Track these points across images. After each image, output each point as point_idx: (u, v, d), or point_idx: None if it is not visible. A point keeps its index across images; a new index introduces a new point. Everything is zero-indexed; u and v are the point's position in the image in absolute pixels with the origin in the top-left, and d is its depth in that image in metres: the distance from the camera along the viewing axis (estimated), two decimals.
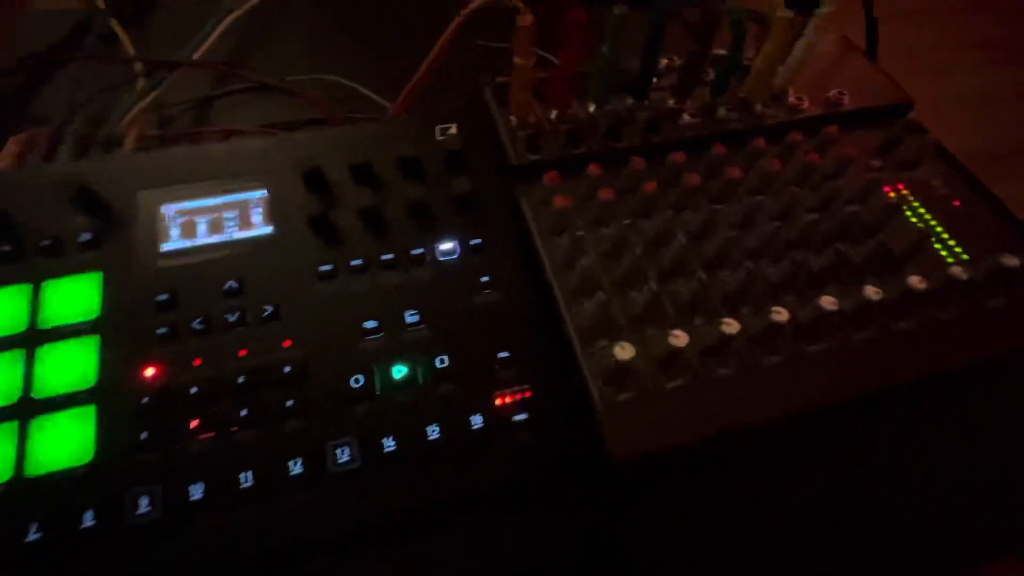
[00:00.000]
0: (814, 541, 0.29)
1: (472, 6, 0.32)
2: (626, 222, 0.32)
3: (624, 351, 0.26)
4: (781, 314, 0.28)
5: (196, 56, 0.46)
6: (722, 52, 0.38)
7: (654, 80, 0.38)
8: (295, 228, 0.32)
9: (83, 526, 0.25)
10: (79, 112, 0.42)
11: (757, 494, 0.29)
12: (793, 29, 0.36)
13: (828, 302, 0.28)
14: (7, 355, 0.28)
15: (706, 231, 0.32)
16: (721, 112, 0.38)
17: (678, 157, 0.35)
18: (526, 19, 0.31)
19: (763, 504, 0.29)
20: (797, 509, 0.29)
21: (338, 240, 0.32)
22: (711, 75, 0.39)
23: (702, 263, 0.31)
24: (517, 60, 0.33)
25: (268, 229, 0.32)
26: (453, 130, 0.36)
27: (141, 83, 0.46)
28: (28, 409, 0.27)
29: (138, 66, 0.47)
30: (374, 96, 0.46)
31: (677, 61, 0.41)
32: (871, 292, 0.29)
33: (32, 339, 0.28)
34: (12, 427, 0.26)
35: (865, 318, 0.30)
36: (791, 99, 0.39)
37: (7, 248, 0.30)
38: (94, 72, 0.48)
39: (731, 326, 0.27)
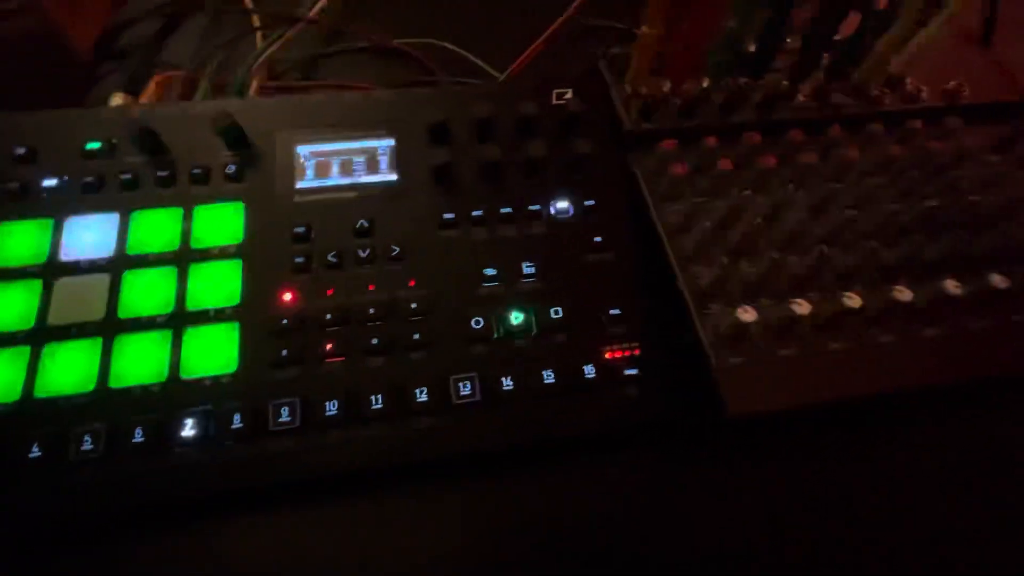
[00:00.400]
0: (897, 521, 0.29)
1: None
2: (746, 192, 0.33)
3: (747, 314, 0.27)
4: (903, 293, 0.28)
5: (311, 14, 0.48)
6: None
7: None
8: (419, 177, 0.34)
9: (232, 427, 0.27)
10: (206, 60, 0.45)
11: (851, 466, 0.30)
12: (921, 17, 0.36)
13: (952, 286, 0.28)
14: (165, 269, 0.30)
15: (823, 208, 0.32)
16: (837, 95, 0.38)
17: (796, 135, 0.35)
18: None
19: (853, 476, 0.30)
20: (888, 484, 0.30)
21: (459, 191, 0.34)
22: (826, 59, 0.39)
23: (819, 239, 0.31)
24: (645, 29, 0.33)
25: (393, 176, 0.34)
26: (569, 95, 0.37)
27: (259, 36, 0.48)
28: (181, 319, 0.29)
29: (256, 20, 0.50)
30: (481, 63, 0.47)
31: (790, 43, 0.41)
32: (998, 280, 0.29)
33: (185, 257, 0.31)
34: (167, 334, 0.29)
35: (986, 306, 0.29)
36: (909, 87, 0.39)
37: (164, 173, 0.32)
38: (212, 23, 0.51)
39: (854, 300, 0.28)
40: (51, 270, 0.30)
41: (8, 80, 0.42)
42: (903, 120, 0.36)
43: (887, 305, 0.28)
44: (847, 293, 0.28)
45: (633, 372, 0.30)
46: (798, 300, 0.28)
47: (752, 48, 0.38)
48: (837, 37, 0.39)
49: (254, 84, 0.44)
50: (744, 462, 0.30)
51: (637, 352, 0.30)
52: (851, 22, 0.38)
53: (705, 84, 0.38)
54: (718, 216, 0.32)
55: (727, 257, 0.31)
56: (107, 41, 0.48)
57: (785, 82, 0.39)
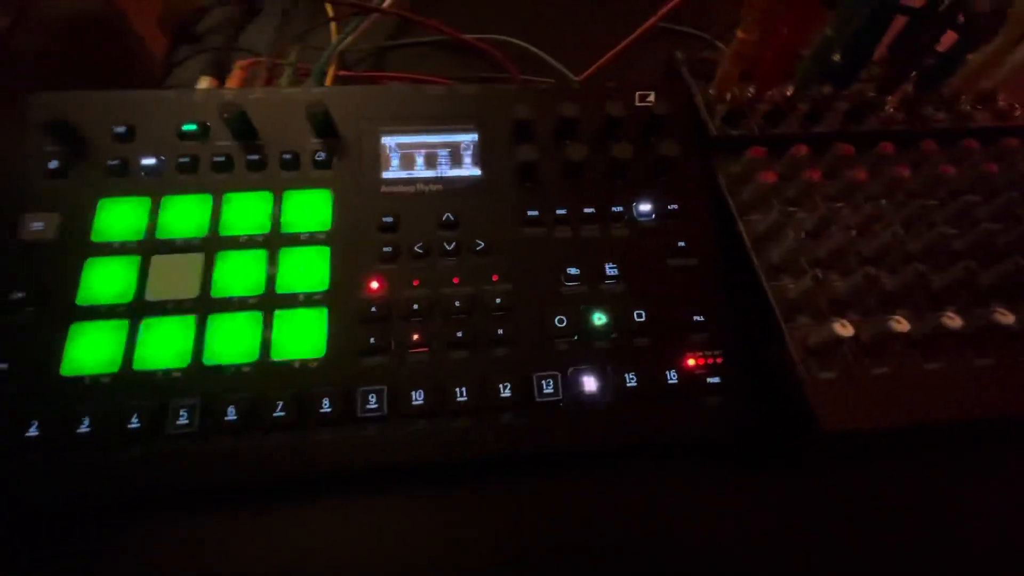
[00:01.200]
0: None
1: None
2: (838, 204, 0.32)
3: (845, 329, 0.26)
4: (1006, 316, 0.27)
5: (385, 4, 0.49)
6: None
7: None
8: (502, 173, 0.34)
9: (321, 411, 0.27)
10: (285, 47, 0.45)
11: (943, 491, 0.29)
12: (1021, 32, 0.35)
13: None
14: (256, 252, 0.31)
15: (917, 224, 0.31)
16: (927, 109, 0.37)
17: (887, 148, 0.34)
18: None
19: (945, 504, 0.29)
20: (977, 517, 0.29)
21: (542, 189, 0.34)
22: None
23: (912, 255, 0.31)
24: (741, 34, 0.33)
25: (477, 171, 0.34)
26: (652, 97, 0.37)
27: (334, 26, 0.49)
28: (271, 302, 0.30)
29: (330, 10, 0.50)
30: (555, 63, 0.47)
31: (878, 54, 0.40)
32: None
33: (275, 241, 0.31)
34: (258, 316, 0.29)
35: None
36: (1001, 104, 0.38)
37: (255, 157, 0.33)
38: (286, 12, 0.51)
39: (954, 320, 0.27)
40: (148, 247, 0.30)
41: (73, 59, 0.43)
42: (999, 137, 0.35)
43: (986, 327, 0.28)
44: (946, 313, 0.27)
45: (716, 381, 0.30)
46: (896, 317, 0.27)
47: (839, 57, 0.37)
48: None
49: (330, 73, 0.45)
50: (828, 478, 0.29)
51: (720, 360, 0.30)
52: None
53: (789, 92, 0.38)
54: (807, 227, 0.32)
55: (815, 269, 0.30)
56: (185, 27, 0.49)
57: (872, 93, 0.38)
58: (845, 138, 0.35)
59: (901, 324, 0.27)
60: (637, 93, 0.37)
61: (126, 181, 0.32)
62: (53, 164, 0.31)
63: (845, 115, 0.36)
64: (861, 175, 0.32)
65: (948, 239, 0.30)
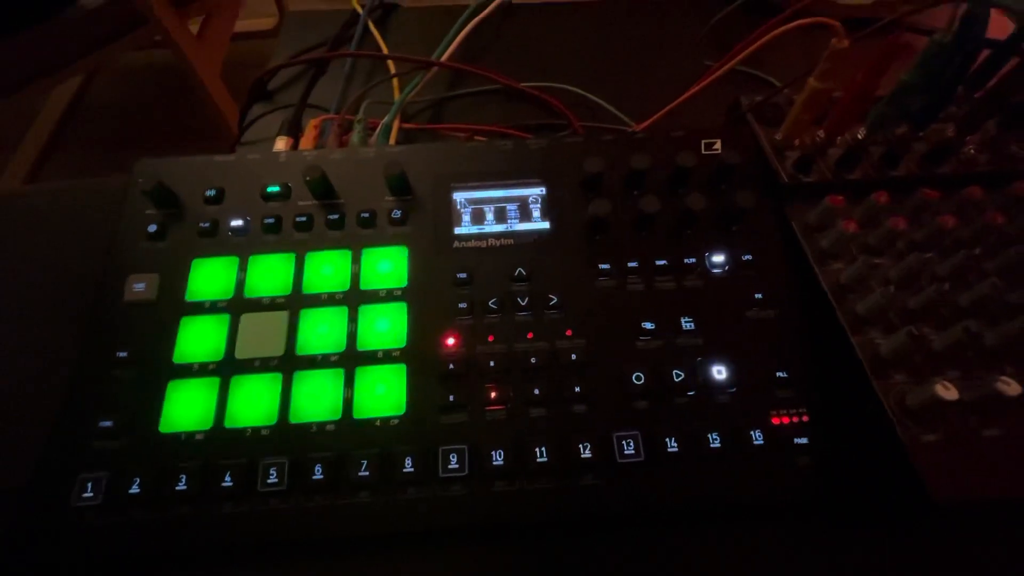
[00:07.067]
0: None
1: (782, 28, 0.33)
2: (926, 254, 0.31)
3: (948, 392, 0.25)
4: None
5: (444, 57, 0.51)
6: None
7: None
8: (571, 226, 0.34)
9: (404, 470, 0.27)
10: (352, 103, 0.48)
11: None
12: None
13: None
14: (337, 309, 0.32)
15: (1016, 272, 0.30)
16: (1014, 148, 0.35)
17: (975, 191, 0.33)
18: (843, 43, 0.30)
19: None
20: None
21: (612, 241, 0.34)
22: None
23: (1014, 307, 0.29)
24: (814, 82, 0.33)
25: (545, 224, 0.34)
26: (718, 145, 0.37)
27: (396, 81, 0.51)
28: (353, 359, 0.30)
29: (392, 66, 0.52)
30: (613, 109, 0.47)
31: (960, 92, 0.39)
32: None
33: (355, 298, 0.32)
34: (340, 373, 0.30)
35: None
36: None
37: (334, 216, 0.34)
38: (351, 69, 0.54)
39: None
40: (237, 305, 0.32)
41: (146, 107, 0.47)
42: None
43: None
44: None
45: (803, 441, 0.28)
46: (1004, 378, 0.26)
47: (916, 98, 0.36)
48: None
49: (395, 126, 0.46)
50: (931, 541, 0.27)
51: (806, 419, 0.29)
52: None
53: (861, 135, 0.37)
54: (893, 278, 0.30)
55: (906, 323, 0.29)
56: (258, 86, 0.53)
57: (952, 133, 0.37)
58: (925, 182, 0.34)
59: (1010, 386, 0.25)
60: (703, 142, 0.37)
61: (216, 242, 0.34)
62: (152, 227, 0.33)
63: (924, 157, 0.35)
64: (949, 221, 0.31)
65: None
